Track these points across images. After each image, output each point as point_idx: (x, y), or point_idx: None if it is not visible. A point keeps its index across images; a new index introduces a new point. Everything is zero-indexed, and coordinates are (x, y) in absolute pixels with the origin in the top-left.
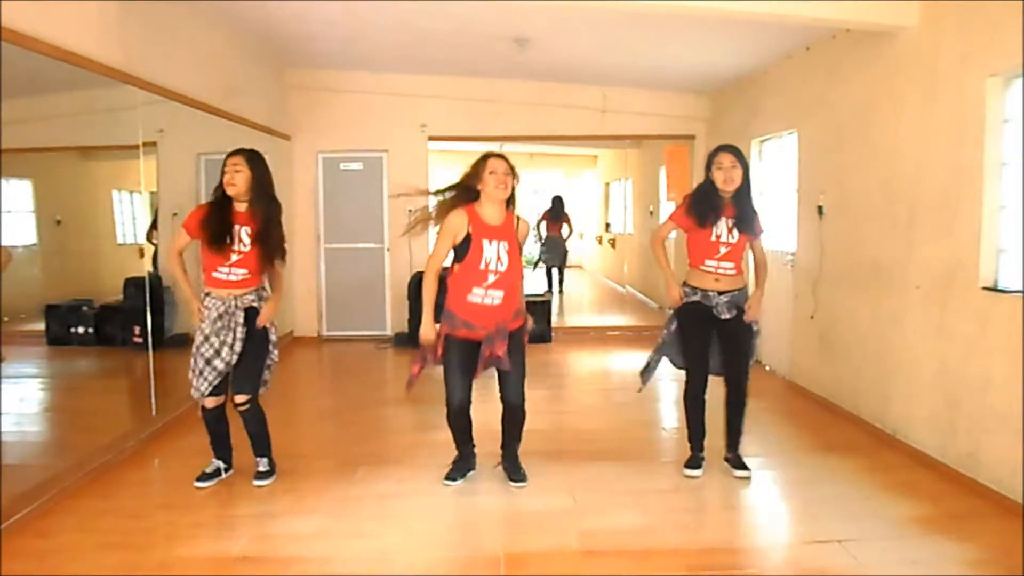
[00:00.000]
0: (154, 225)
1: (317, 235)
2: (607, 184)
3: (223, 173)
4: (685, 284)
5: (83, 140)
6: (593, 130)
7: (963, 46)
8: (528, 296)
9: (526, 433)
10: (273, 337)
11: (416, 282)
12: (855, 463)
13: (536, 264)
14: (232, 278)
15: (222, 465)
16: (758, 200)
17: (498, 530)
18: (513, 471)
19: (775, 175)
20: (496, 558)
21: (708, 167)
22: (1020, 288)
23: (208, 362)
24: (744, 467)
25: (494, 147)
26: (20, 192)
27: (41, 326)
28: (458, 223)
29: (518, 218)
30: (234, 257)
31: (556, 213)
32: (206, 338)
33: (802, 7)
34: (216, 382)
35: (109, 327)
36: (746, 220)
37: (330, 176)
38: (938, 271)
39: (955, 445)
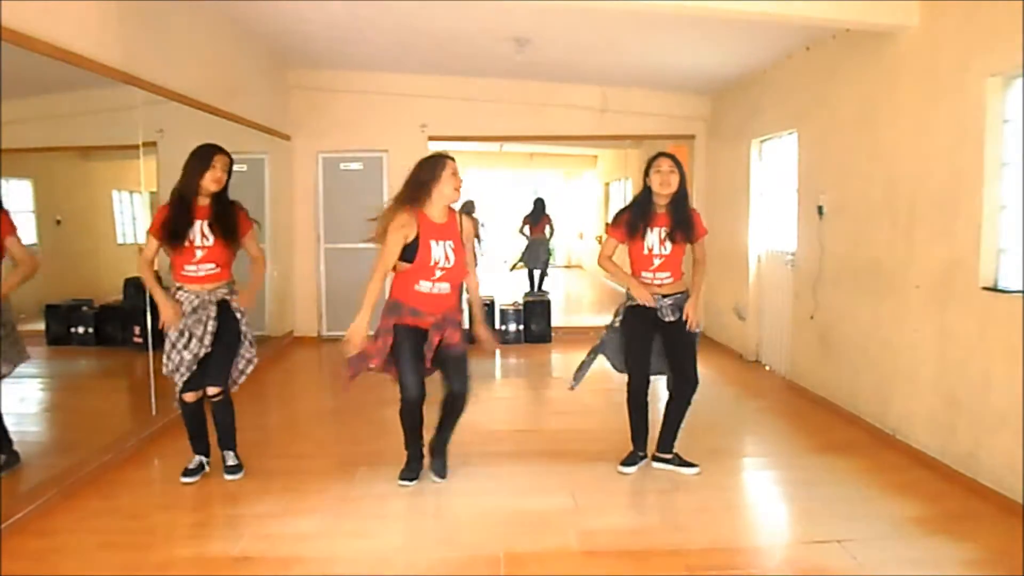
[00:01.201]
0: None
1: (317, 235)
2: (607, 184)
3: (206, 168)
4: (629, 288)
5: (83, 140)
6: (593, 130)
7: (963, 46)
8: (530, 297)
9: (526, 433)
10: (245, 329)
11: None
12: (855, 463)
13: (515, 266)
14: (201, 273)
15: (204, 459)
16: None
17: (498, 530)
18: (439, 467)
19: (775, 175)
20: (496, 558)
21: (646, 173)
22: (1020, 288)
23: (182, 359)
24: (690, 464)
25: (494, 147)
26: (20, 192)
27: (41, 326)
28: (407, 223)
29: (461, 215)
30: (199, 253)
31: (537, 215)
32: (181, 332)
33: (802, 7)
34: (188, 375)
35: (109, 327)
36: (681, 228)
37: (330, 176)
38: (938, 271)
39: (955, 445)
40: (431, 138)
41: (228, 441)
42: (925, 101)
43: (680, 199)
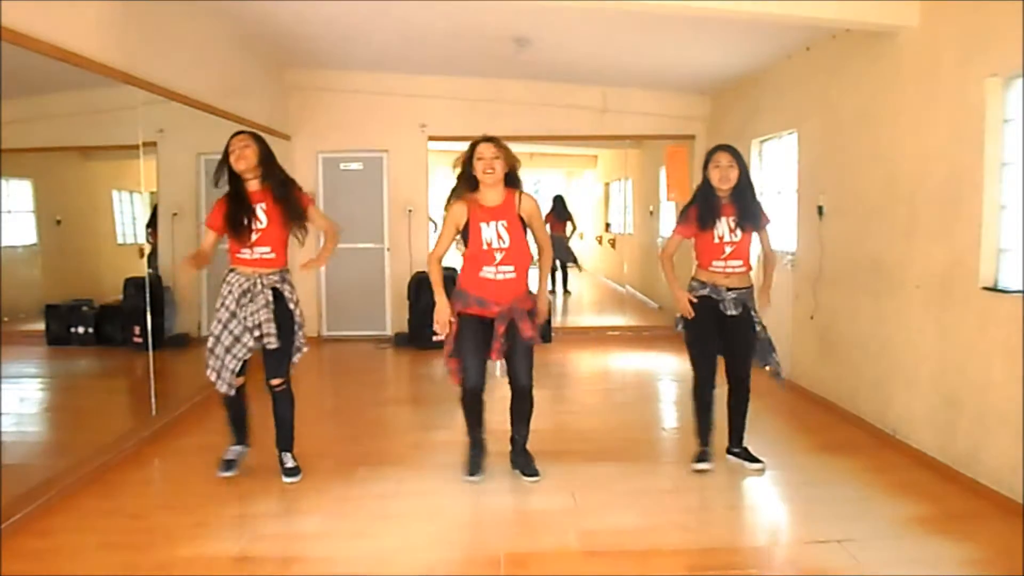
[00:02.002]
0: (151, 224)
1: (317, 235)
2: (607, 184)
3: (229, 154)
4: (694, 279)
5: (83, 140)
6: (593, 130)
7: (963, 46)
8: None
9: (534, 432)
10: (299, 318)
11: (416, 282)
12: (855, 463)
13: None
14: (255, 256)
15: (240, 448)
16: (759, 195)
17: (498, 530)
18: (524, 465)
19: (775, 175)
20: (496, 558)
21: (705, 166)
22: (1020, 288)
23: (237, 338)
24: (756, 459)
25: None
26: (20, 192)
27: (41, 326)
28: (458, 213)
29: (520, 195)
30: (254, 236)
31: (560, 212)
32: (232, 315)
33: (802, 7)
34: (240, 365)
35: (109, 327)
36: (747, 216)
37: (330, 176)
38: (938, 271)
39: (955, 445)
40: (431, 138)
41: (287, 442)
42: (925, 101)
43: (743, 188)
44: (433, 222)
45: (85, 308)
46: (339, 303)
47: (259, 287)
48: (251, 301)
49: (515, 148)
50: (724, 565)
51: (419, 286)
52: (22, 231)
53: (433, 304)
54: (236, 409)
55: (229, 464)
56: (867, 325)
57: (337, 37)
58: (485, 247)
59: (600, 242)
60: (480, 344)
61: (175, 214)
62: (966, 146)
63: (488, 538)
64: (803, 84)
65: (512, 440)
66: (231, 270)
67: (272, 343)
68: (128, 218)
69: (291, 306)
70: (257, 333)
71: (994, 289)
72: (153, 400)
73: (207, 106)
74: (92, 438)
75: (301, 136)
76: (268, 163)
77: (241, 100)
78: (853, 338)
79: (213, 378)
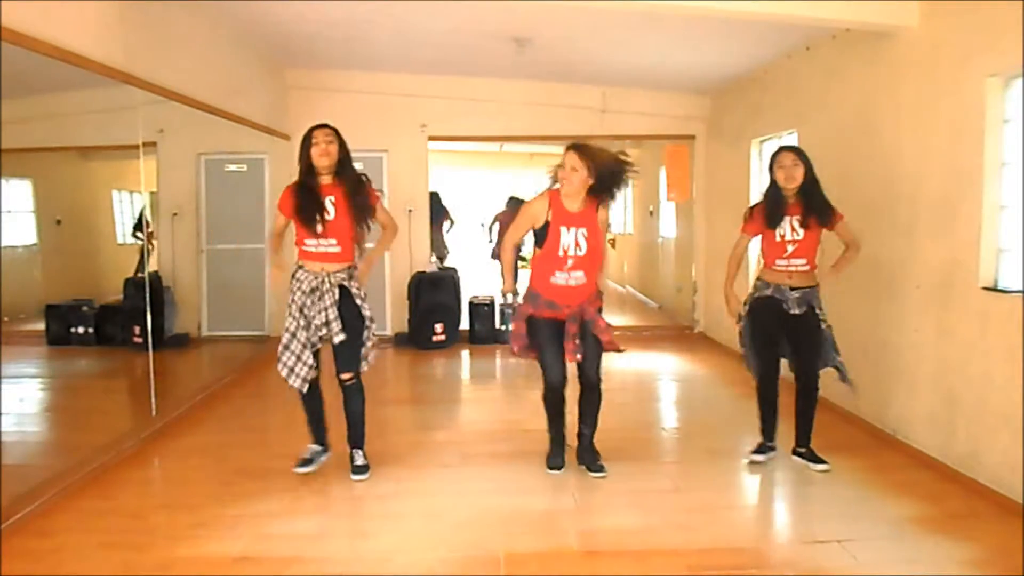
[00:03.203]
0: (138, 226)
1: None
2: None
3: (312, 146)
4: (758, 279)
5: (83, 140)
6: (593, 130)
7: (963, 46)
8: None
9: (533, 432)
10: (368, 313)
11: (416, 282)
12: (855, 463)
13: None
14: (322, 250)
15: (319, 448)
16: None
17: (498, 530)
18: (591, 462)
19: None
20: (496, 558)
21: (770, 168)
22: (1020, 288)
23: (309, 338)
24: (820, 460)
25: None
26: (20, 192)
27: (41, 326)
28: (539, 208)
29: (600, 206)
30: (319, 227)
31: None
32: (301, 310)
33: (802, 7)
34: (312, 360)
35: (109, 327)
36: (813, 213)
37: None
38: (938, 271)
39: (955, 445)
40: (431, 138)
41: (357, 438)
42: (925, 101)
43: (810, 186)
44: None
45: (85, 308)
46: None
47: (327, 285)
48: (320, 299)
49: (515, 148)
50: (724, 565)
51: (419, 286)
52: (22, 231)
53: (433, 304)
54: (309, 404)
55: (306, 461)
56: (867, 325)
57: (337, 37)
58: (561, 252)
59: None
60: (557, 340)
61: (175, 214)
62: (966, 146)
63: (488, 538)
64: (803, 84)
65: (579, 435)
66: (299, 266)
67: (339, 337)
68: (128, 218)
69: (358, 301)
70: (324, 330)
71: (994, 289)
72: (153, 400)
73: (207, 106)
74: (92, 438)
75: (301, 136)
76: (345, 161)
77: (241, 100)
78: (853, 338)
79: (285, 374)
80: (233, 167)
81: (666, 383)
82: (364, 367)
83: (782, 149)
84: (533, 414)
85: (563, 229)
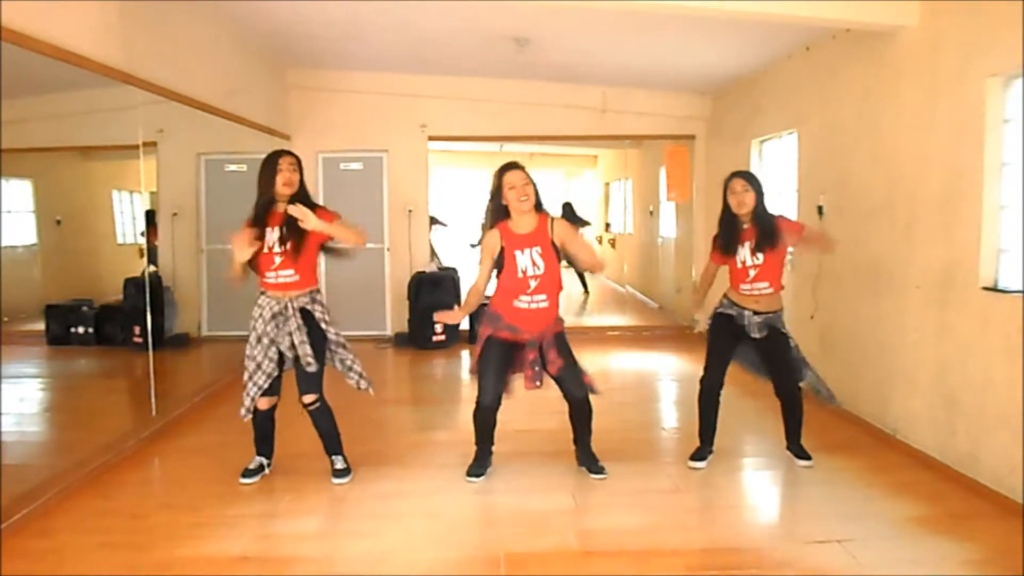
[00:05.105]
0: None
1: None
2: (607, 184)
3: (277, 172)
4: (725, 296)
5: (83, 140)
6: (593, 130)
7: (963, 46)
8: None
9: (528, 432)
10: (332, 336)
11: (416, 282)
12: (855, 463)
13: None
14: (280, 280)
15: (264, 461)
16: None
17: (498, 530)
18: (591, 463)
19: (775, 175)
20: (496, 558)
21: (724, 194)
22: (1020, 288)
23: (259, 366)
24: (806, 456)
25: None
26: (20, 192)
27: (41, 326)
28: (492, 242)
29: (552, 220)
30: (276, 260)
31: (570, 220)
32: (259, 339)
33: (802, 7)
34: (267, 385)
35: (109, 327)
36: (766, 238)
37: (330, 176)
38: (938, 271)
39: (955, 445)
40: (431, 138)
41: (334, 446)
42: (925, 101)
43: (760, 211)
44: (438, 222)
45: (85, 308)
46: (339, 303)
47: (289, 310)
48: (285, 323)
49: (515, 148)
50: (724, 565)
51: (419, 286)
52: (22, 231)
53: (433, 304)
54: (261, 426)
55: (250, 472)
56: (867, 325)
57: (337, 37)
58: (520, 275)
59: (600, 242)
60: (501, 365)
61: (175, 214)
62: (966, 146)
63: (488, 538)
64: (803, 84)
65: (575, 441)
66: (261, 292)
67: (311, 366)
68: (128, 218)
69: (322, 325)
70: (292, 354)
71: (994, 289)
72: (153, 400)
73: (207, 106)
74: (92, 438)
75: (301, 136)
76: (302, 188)
77: (241, 100)
78: (853, 338)
79: (243, 413)
80: (233, 167)
81: (666, 383)
82: (364, 384)
83: (733, 175)
84: (532, 414)
85: (517, 253)
